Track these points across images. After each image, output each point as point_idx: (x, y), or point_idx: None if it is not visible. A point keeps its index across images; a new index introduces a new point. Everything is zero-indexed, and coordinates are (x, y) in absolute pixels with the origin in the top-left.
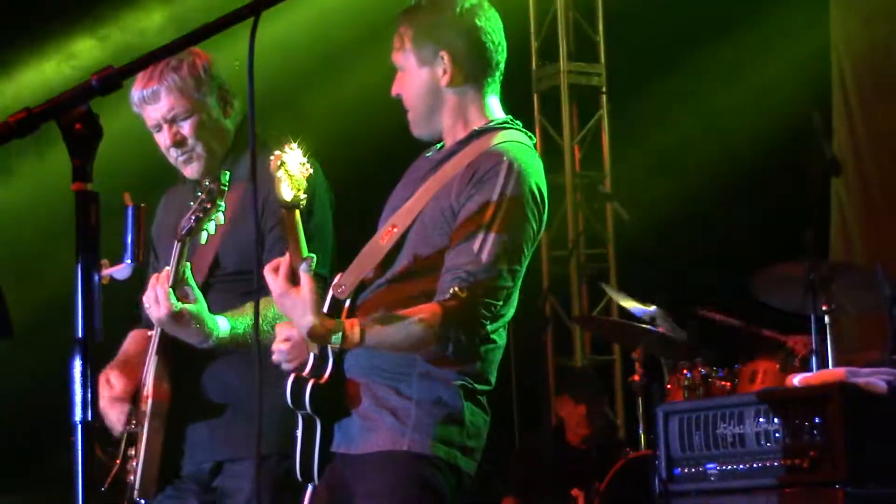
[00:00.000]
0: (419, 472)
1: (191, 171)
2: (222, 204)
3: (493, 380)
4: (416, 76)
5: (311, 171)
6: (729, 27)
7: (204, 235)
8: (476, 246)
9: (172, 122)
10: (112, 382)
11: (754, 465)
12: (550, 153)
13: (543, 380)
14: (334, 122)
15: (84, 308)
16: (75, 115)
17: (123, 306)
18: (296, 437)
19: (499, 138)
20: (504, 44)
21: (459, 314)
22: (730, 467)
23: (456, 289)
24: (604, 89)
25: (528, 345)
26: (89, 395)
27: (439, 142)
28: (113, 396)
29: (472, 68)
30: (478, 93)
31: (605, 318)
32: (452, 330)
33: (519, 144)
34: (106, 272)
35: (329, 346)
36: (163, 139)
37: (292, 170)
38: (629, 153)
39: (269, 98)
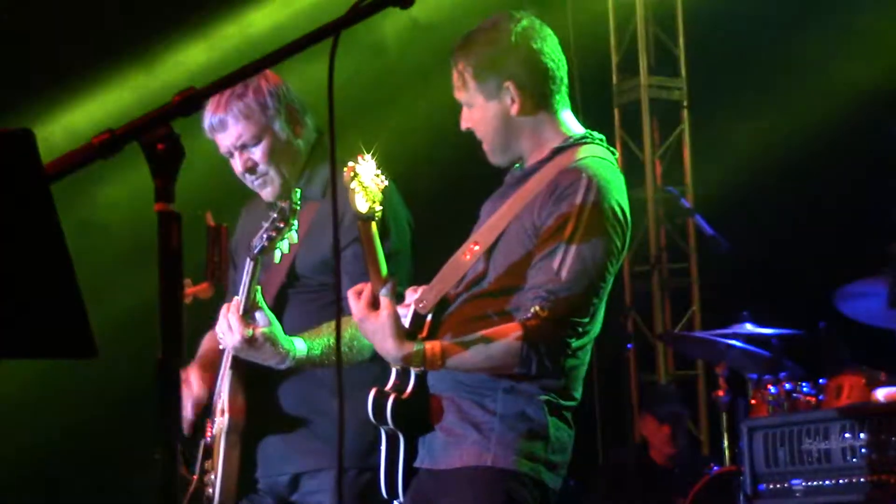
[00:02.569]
0: (503, 487)
1: (266, 194)
2: (295, 223)
3: (578, 395)
4: (485, 111)
5: (385, 183)
6: (808, 34)
7: (277, 254)
8: (556, 264)
9: (242, 148)
10: (192, 382)
11: (840, 482)
12: (631, 168)
13: (627, 396)
14: (408, 140)
15: (167, 327)
16: (157, 135)
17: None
18: (379, 452)
19: (579, 154)
20: (563, 58)
21: (541, 334)
22: (815, 483)
23: (537, 308)
24: (685, 103)
25: (610, 361)
26: (175, 415)
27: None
28: (189, 395)
29: (538, 91)
30: (550, 113)
31: (687, 334)
32: (534, 350)
33: (600, 160)
34: (189, 292)
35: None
36: (236, 165)
37: (366, 181)
38: (711, 167)
39: (339, 117)
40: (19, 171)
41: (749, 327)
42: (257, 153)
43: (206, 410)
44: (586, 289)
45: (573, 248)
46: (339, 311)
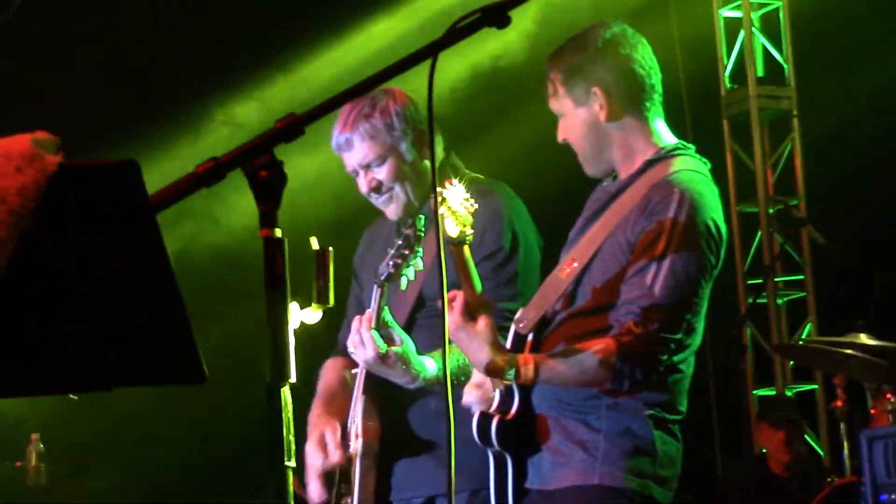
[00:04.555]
0: None
1: (391, 212)
2: (420, 250)
3: (683, 408)
4: (575, 118)
5: (475, 206)
6: None
7: (404, 281)
8: (649, 279)
9: (367, 168)
10: (327, 441)
11: None
12: (742, 179)
13: (745, 408)
14: (523, 156)
15: (275, 352)
16: (260, 162)
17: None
18: (489, 474)
19: (672, 167)
20: (656, 66)
21: (634, 349)
22: None
23: (630, 323)
24: (795, 111)
25: (727, 374)
26: (285, 441)
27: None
28: (324, 467)
29: (627, 98)
30: (640, 121)
31: (804, 345)
32: (628, 365)
33: (693, 173)
34: (296, 316)
35: (514, 383)
36: (361, 184)
37: (455, 206)
38: (823, 175)
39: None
40: (126, 202)
41: (864, 337)
42: (382, 173)
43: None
44: (679, 304)
45: (666, 264)
46: (444, 334)
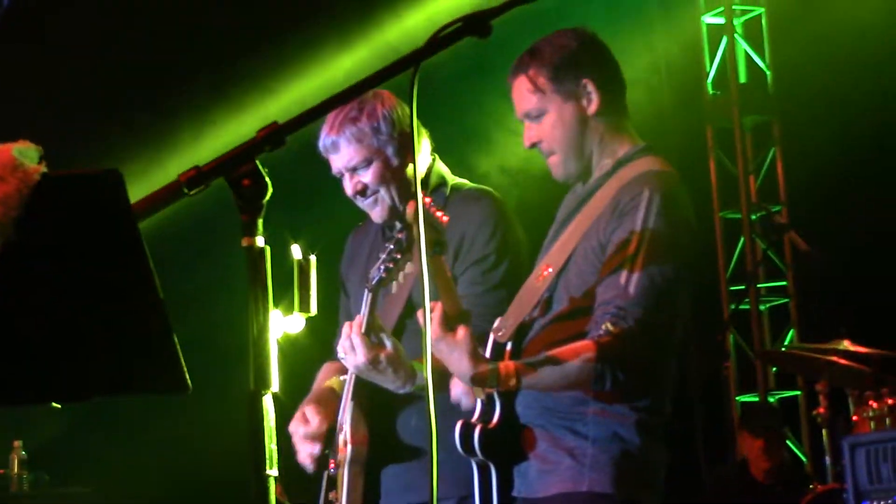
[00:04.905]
0: None
1: (376, 215)
2: (411, 255)
3: (667, 410)
4: (561, 113)
5: (446, 218)
6: None
7: (394, 285)
8: (623, 279)
9: (353, 171)
10: (308, 418)
11: None
12: (725, 185)
13: (727, 414)
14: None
15: (257, 360)
16: (243, 171)
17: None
18: (472, 484)
19: (641, 167)
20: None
21: (613, 350)
22: None
23: (608, 324)
24: (777, 118)
25: (710, 380)
26: (265, 448)
27: (580, 182)
28: (308, 433)
29: (612, 91)
30: (620, 116)
31: (786, 352)
32: (608, 366)
33: (661, 173)
34: (278, 324)
35: (495, 392)
36: (347, 187)
37: (427, 217)
38: (805, 182)
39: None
40: (109, 211)
41: (847, 344)
42: (367, 176)
43: (328, 443)
44: (655, 303)
45: (639, 263)
46: (426, 342)
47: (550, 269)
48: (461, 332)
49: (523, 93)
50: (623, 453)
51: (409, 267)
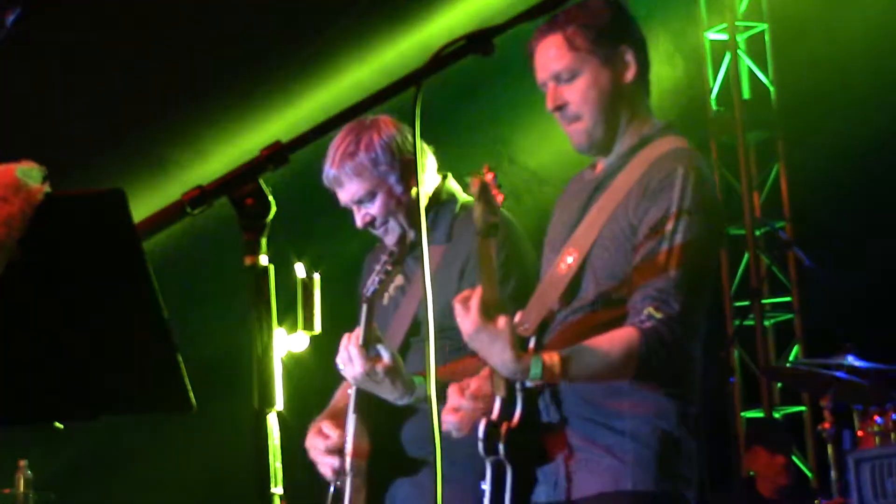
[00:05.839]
0: None
1: (389, 241)
2: (402, 267)
3: (698, 399)
4: (597, 76)
5: (503, 197)
6: None
7: (386, 296)
8: (662, 260)
9: (359, 203)
10: (326, 432)
11: None
12: (729, 201)
13: (732, 430)
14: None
15: (261, 378)
16: (246, 191)
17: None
18: (482, 490)
19: (669, 144)
20: None
21: (658, 335)
22: None
23: (651, 309)
24: (780, 134)
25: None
26: (270, 466)
27: (599, 155)
28: (329, 446)
29: (644, 64)
30: (646, 93)
31: (791, 368)
32: (653, 353)
33: (690, 150)
34: (282, 343)
35: (518, 389)
36: (356, 219)
37: (489, 196)
38: (810, 197)
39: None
40: (112, 231)
41: (851, 359)
42: (374, 209)
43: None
44: (696, 285)
45: (678, 242)
46: (427, 340)
47: (574, 257)
48: (502, 321)
49: (556, 51)
50: (665, 447)
51: (400, 279)
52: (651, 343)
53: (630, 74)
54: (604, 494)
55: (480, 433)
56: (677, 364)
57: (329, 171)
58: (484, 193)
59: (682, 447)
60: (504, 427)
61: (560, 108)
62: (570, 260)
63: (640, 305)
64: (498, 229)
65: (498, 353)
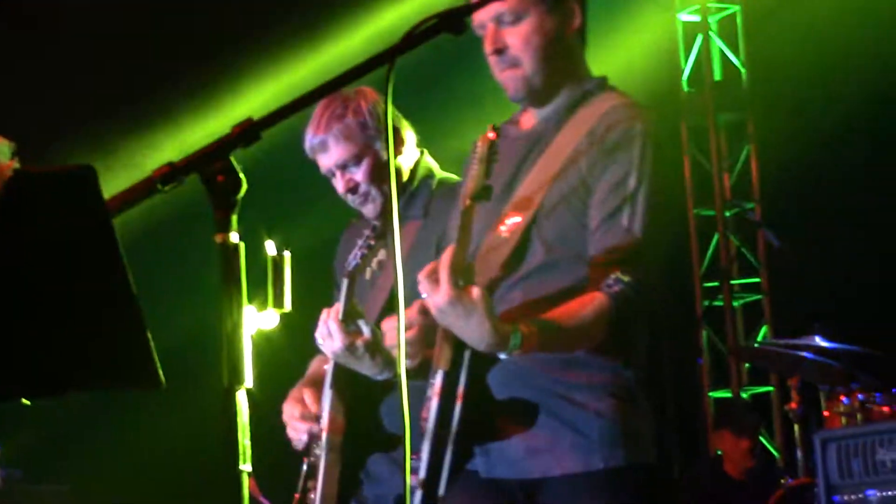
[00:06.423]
0: (633, 485)
1: (368, 211)
2: (385, 241)
3: (644, 363)
4: (542, 21)
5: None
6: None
7: (368, 271)
8: (625, 221)
9: (344, 169)
10: (305, 400)
11: None
12: (700, 182)
13: (701, 411)
14: None
15: (230, 356)
16: (217, 168)
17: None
18: (421, 457)
19: (613, 99)
20: None
21: (629, 301)
22: (890, 493)
23: (617, 273)
24: (751, 116)
25: (683, 375)
26: (239, 443)
27: (533, 106)
28: (306, 414)
29: (585, 18)
30: (584, 45)
31: (759, 348)
32: (623, 317)
33: (642, 106)
34: (252, 320)
35: (464, 362)
36: (338, 185)
37: (487, 160)
38: (780, 178)
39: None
40: (82, 208)
41: (819, 340)
42: (359, 173)
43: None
44: (659, 244)
45: (640, 200)
46: (400, 326)
47: (519, 218)
48: (476, 291)
49: None
50: (631, 418)
51: (383, 254)
52: (621, 307)
53: (574, 24)
54: (572, 476)
55: (434, 408)
56: (640, 329)
57: (313, 137)
58: (490, 153)
59: (646, 413)
60: (460, 402)
61: (499, 51)
62: (511, 223)
63: (605, 269)
64: (490, 193)
65: (476, 327)
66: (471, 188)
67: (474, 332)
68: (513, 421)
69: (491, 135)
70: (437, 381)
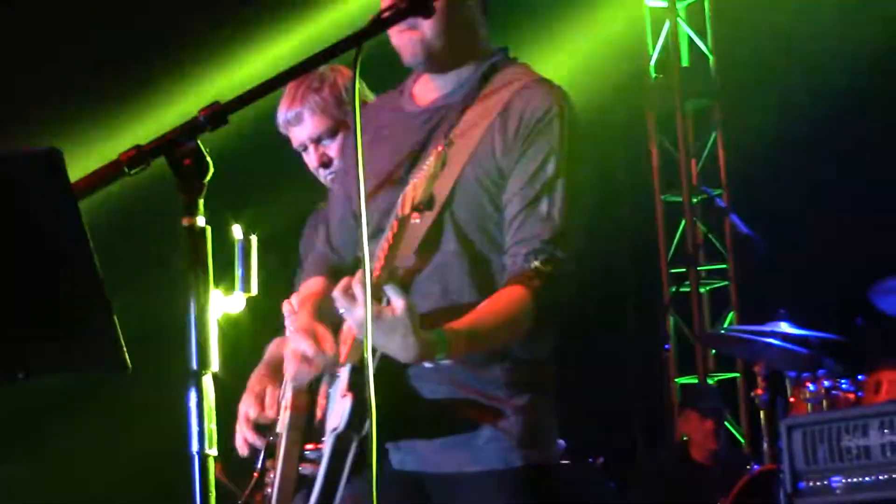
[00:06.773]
0: (548, 484)
1: None
2: None
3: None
4: None
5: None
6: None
7: None
8: (544, 209)
9: (318, 142)
10: (266, 401)
11: (880, 478)
12: (667, 169)
13: (667, 396)
14: None
15: (198, 340)
16: (184, 151)
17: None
18: (323, 461)
19: (523, 76)
20: None
21: (549, 293)
22: (855, 480)
23: (537, 264)
24: (718, 102)
25: (648, 361)
26: (205, 427)
27: (430, 72)
28: (260, 417)
29: None
30: (485, 15)
31: (725, 334)
32: (544, 312)
33: (556, 86)
34: (219, 304)
35: (374, 358)
36: (310, 160)
37: (432, 169)
38: (747, 165)
39: None
40: (48, 190)
41: (785, 326)
42: (332, 147)
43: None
44: (577, 227)
45: (559, 187)
46: (368, 312)
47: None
48: (400, 303)
49: None
50: (547, 413)
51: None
52: (542, 302)
53: None
54: (487, 473)
55: (348, 407)
56: (560, 319)
57: (288, 111)
58: (429, 166)
59: (552, 406)
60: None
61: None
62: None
63: (523, 260)
64: (433, 203)
65: (399, 341)
66: (425, 198)
67: (398, 347)
68: (428, 416)
69: (442, 147)
70: (345, 375)
